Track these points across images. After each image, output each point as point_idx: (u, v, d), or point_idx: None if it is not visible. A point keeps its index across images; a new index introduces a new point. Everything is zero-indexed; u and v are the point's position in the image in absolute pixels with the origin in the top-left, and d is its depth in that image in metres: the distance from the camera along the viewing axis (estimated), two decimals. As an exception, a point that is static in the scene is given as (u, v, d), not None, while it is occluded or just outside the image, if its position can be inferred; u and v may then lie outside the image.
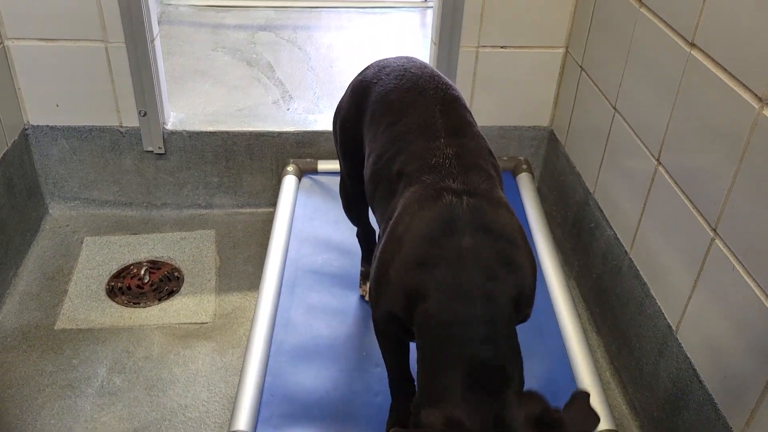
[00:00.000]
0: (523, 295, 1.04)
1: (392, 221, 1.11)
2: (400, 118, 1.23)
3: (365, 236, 1.63)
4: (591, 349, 1.54)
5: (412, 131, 1.20)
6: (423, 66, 1.34)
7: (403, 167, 1.16)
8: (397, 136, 1.21)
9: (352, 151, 1.39)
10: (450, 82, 1.34)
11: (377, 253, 1.13)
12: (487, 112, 2.09)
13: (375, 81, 1.34)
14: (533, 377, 1.40)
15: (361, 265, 1.66)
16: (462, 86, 2.03)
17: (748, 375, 1.13)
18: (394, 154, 1.20)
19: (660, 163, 1.43)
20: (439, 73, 1.34)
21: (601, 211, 1.74)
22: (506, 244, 1.03)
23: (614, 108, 1.66)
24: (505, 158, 2.07)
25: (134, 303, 1.85)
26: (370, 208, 1.37)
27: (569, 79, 1.98)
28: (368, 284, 1.59)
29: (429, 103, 1.24)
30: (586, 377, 1.38)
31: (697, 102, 1.29)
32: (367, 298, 1.60)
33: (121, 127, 2.07)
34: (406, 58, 1.38)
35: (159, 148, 2.09)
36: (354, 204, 1.54)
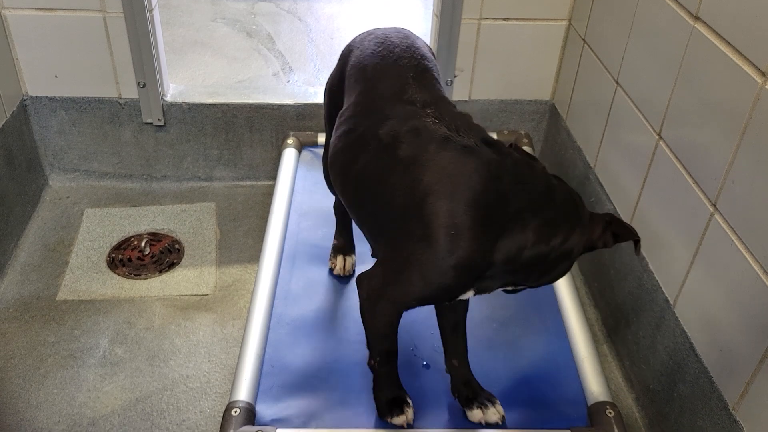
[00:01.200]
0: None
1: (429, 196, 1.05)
2: (374, 85, 1.25)
3: (341, 208, 1.60)
4: (589, 322, 1.55)
5: (386, 98, 1.21)
6: (406, 36, 1.34)
7: (390, 132, 1.15)
8: (371, 104, 1.22)
9: (336, 111, 1.40)
10: (429, 54, 1.34)
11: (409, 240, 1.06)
12: (488, 85, 2.08)
13: (357, 47, 1.36)
14: (531, 350, 1.42)
15: (334, 238, 1.65)
16: (463, 59, 2.02)
17: (744, 349, 1.14)
18: (376, 122, 1.19)
19: (661, 138, 1.43)
20: (421, 44, 1.34)
21: (601, 185, 1.74)
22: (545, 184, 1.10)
23: (616, 82, 1.65)
24: (506, 132, 2.07)
25: (135, 275, 1.86)
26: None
27: (571, 52, 1.97)
28: (338, 258, 1.59)
29: (402, 71, 1.25)
30: (583, 350, 1.39)
31: (699, 76, 1.28)
32: (336, 271, 1.60)
33: (120, 98, 2.06)
34: (396, 28, 1.38)
35: (158, 120, 2.08)
36: None
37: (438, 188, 1.04)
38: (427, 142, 1.11)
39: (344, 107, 1.31)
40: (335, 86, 1.40)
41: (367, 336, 1.22)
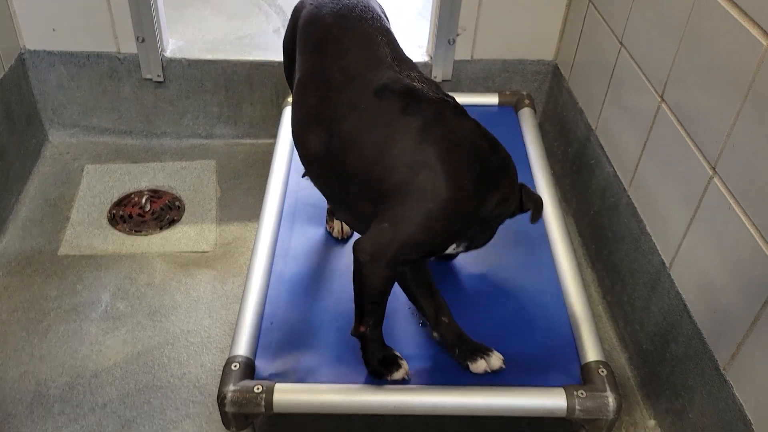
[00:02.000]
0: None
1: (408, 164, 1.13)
2: (344, 46, 1.26)
3: None
4: (585, 283, 1.57)
5: (361, 59, 1.23)
6: None
7: (383, 90, 1.18)
8: (346, 66, 1.23)
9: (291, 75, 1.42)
10: (383, 13, 1.36)
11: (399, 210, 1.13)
12: (490, 44, 2.05)
13: (311, 2, 1.36)
14: (526, 310, 1.44)
15: (328, 203, 1.65)
16: (466, 18, 1.99)
17: (737, 311, 1.16)
18: (343, 82, 1.21)
19: (663, 100, 1.42)
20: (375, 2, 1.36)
21: (602, 147, 1.74)
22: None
23: (620, 42, 1.64)
24: (507, 92, 2.05)
25: (136, 231, 1.87)
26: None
27: (576, 11, 1.94)
28: (336, 221, 1.59)
29: (370, 31, 1.27)
30: (578, 310, 1.41)
31: (704, 37, 1.27)
32: (335, 234, 1.60)
33: (119, 53, 2.04)
34: None
35: (158, 75, 2.07)
36: None
37: (446, 145, 1.14)
38: (426, 104, 1.17)
39: (307, 66, 1.29)
40: (289, 45, 1.41)
41: (361, 303, 1.20)
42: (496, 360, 1.28)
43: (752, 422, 1.11)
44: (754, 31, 1.11)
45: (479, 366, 1.28)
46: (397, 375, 1.26)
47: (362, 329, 1.22)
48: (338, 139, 1.20)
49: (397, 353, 1.29)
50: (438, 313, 1.30)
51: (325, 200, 1.71)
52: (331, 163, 1.23)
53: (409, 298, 1.33)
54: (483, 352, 1.29)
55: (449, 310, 1.31)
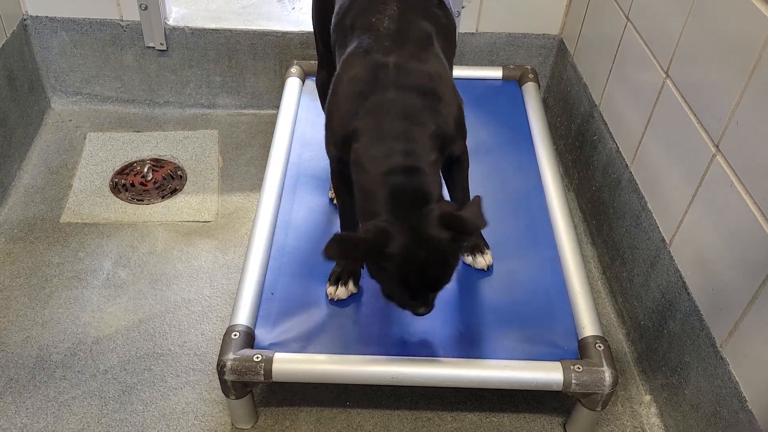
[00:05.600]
0: (446, 135, 1.20)
1: (335, 77, 1.24)
2: None
3: None
4: (585, 259, 1.57)
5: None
6: None
7: (352, 21, 1.24)
8: None
9: (328, 22, 1.42)
10: None
11: (326, 106, 1.27)
12: (496, 18, 2.03)
13: None
14: (525, 284, 1.44)
15: None
16: (472, -11, 1.97)
17: (736, 289, 1.16)
18: (348, 8, 1.26)
19: (668, 76, 1.41)
20: None
21: (605, 123, 1.73)
22: (427, 95, 1.17)
23: (627, 17, 1.62)
24: (511, 66, 2.03)
25: (138, 200, 1.88)
26: None
27: (583, -15, 1.92)
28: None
29: None
30: (577, 286, 1.41)
31: (711, 13, 1.26)
32: (335, 201, 1.61)
33: (122, 20, 2.02)
34: None
35: (161, 44, 2.06)
36: (329, 86, 1.57)
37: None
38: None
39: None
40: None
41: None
42: (488, 257, 1.45)
43: (747, 399, 1.12)
44: (762, 7, 1.10)
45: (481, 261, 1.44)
46: (330, 288, 1.39)
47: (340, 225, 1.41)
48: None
49: (356, 277, 1.40)
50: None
51: (327, 170, 1.71)
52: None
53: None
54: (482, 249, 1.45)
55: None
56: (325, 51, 1.52)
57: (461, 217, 1.11)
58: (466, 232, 1.12)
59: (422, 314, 1.20)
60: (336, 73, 1.24)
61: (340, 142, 1.21)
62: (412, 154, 1.13)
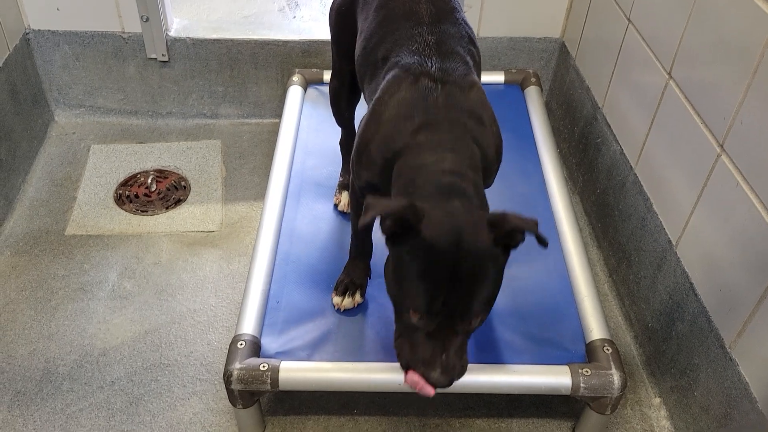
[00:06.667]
0: (488, 160, 1.18)
1: (374, 102, 1.20)
2: (388, 2, 1.29)
3: (347, 143, 1.65)
4: (591, 262, 1.57)
5: (398, 16, 1.26)
6: None
7: (387, 53, 1.23)
8: (383, 21, 1.28)
9: (346, 35, 1.43)
10: None
11: (360, 130, 1.22)
12: (497, 22, 2.03)
13: None
14: (533, 288, 1.44)
15: (340, 175, 1.69)
16: (472, -6, 1.97)
17: (744, 289, 1.15)
18: (381, 39, 1.26)
19: (671, 77, 1.41)
20: None
21: (609, 126, 1.73)
22: (473, 122, 1.15)
23: (628, 19, 1.62)
24: (513, 70, 2.03)
25: (142, 211, 1.88)
26: (361, 100, 1.45)
27: (583, -12, 1.92)
28: (344, 194, 1.63)
29: None
30: (584, 289, 1.40)
31: (713, 13, 1.25)
32: (340, 207, 1.62)
33: (124, 33, 2.03)
34: None
35: (162, 55, 2.06)
36: (342, 95, 1.58)
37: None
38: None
39: (362, 23, 1.33)
40: (345, 5, 1.43)
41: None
42: None
43: (757, 400, 1.11)
44: (764, 5, 1.10)
45: None
46: (338, 300, 1.39)
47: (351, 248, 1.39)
48: None
49: (363, 288, 1.40)
50: None
51: (330, 178, 1.71)
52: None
53: None
54: None
55: None
56: (339, 61, 1.53)
57: (506, 214, 1.01)
58: (510, 227, 1.00)
59: (435, 380, 1.02)
60: (376, 97, 1.20)
61: (379, 164, 1.16)
62: (461, 165, 1.09)
